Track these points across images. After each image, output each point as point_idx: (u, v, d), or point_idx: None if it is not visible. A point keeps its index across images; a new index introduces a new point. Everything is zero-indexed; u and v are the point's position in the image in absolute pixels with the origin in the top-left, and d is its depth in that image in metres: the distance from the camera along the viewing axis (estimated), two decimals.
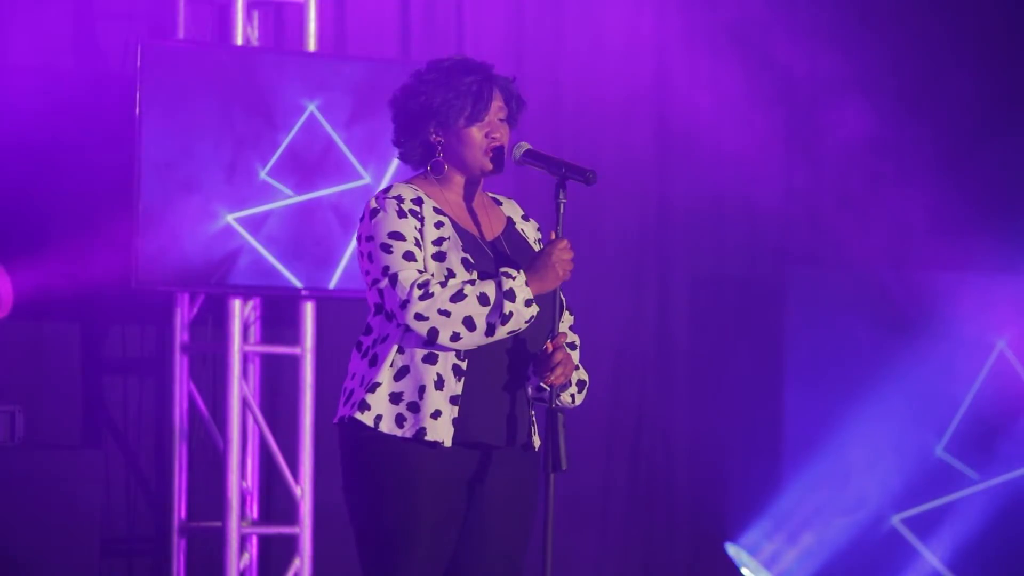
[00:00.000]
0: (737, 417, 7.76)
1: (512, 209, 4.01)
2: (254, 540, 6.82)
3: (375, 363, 3.76)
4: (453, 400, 3.74)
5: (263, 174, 6.48)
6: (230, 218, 6.44)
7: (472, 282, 3.72)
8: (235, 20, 6.61)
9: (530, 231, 3.98)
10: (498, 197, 4.02)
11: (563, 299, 3.92)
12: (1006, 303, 7.74)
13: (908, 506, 7.68)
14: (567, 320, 3.97)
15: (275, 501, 6.91)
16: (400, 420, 3.73)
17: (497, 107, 3.85)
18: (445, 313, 3.67)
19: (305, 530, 6.67)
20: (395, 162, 6.55)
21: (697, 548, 7.75)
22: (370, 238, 3.76)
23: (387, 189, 3.83)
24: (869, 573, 7.66)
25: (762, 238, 7.84)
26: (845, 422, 7.67)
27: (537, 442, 3.87)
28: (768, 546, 7.67)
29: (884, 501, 7.66)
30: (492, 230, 3.90)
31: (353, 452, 3.80)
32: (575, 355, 3.94)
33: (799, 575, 7.64)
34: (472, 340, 3.69)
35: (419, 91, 3.84)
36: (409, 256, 3.73)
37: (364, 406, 3.75)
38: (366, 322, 3.83)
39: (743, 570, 7.64)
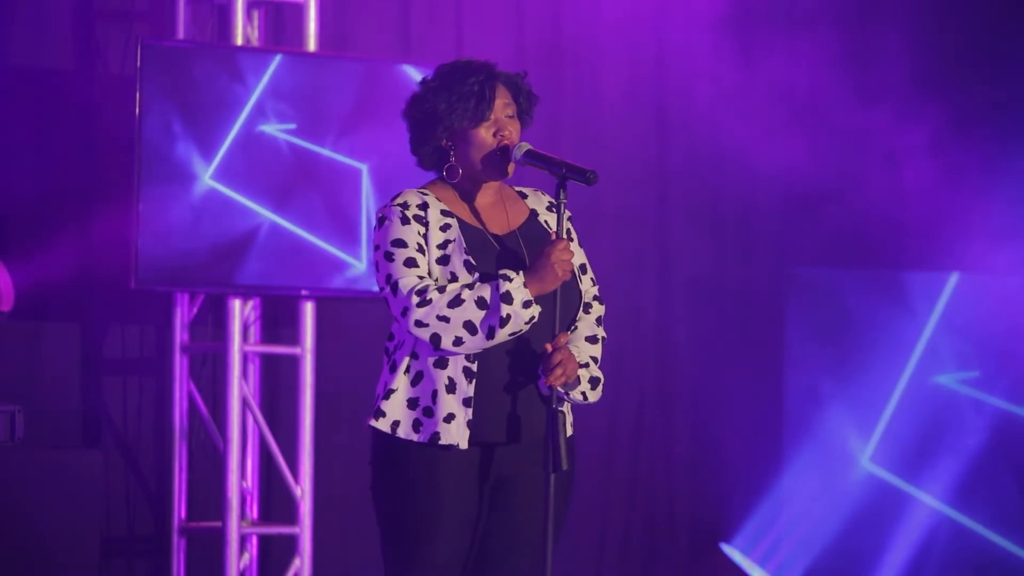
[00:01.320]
0: (737, 417, 7.77)
1: (537, 201, 4.00)
2: (254, 540, 6.82)
3: (394, 369, 3.80)
4: (466, 402, 3.75)
5: (262, 174, 6.49)
6: (230, 217, 6.43)
7: (471, 286, 3.72)
8: (235, 20, 6.61)
9: (555, 221, 3.96)
10: (524, 190, 4.01)
11: (592, 290, 3.91)
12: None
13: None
14: (596, 311, 3.95)
15: (275, 501, 6.91)
16: (416, 425, 3.76)
17: (503, 104, 3.85)
18: (445, 319, 3.68)
19: (305, 530, 6.67)
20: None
21: (696, 548, 7.75)
22: (377, 247, 3.80)
23: (395, 196, 3.84)
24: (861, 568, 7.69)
25: (762, 236, 7.84)
26: (843, 421, 7.68)
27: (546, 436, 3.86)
28: (764, 544, 7.67)
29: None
30: (508, 225, 3.89)
31: (376, 457, 3.84)
32: (597, 349, 3.92)
33: (794, 572, 7.65)
34: (475, 344, 3.70)
35: (424, 99, 3.85)
36: (410, 263, 3.74)
37: (380, 413, 3.79)
38: (389, 329, 3.85)
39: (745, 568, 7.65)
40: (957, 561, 7.70)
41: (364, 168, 6.60)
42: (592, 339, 3.92)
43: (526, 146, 3.86)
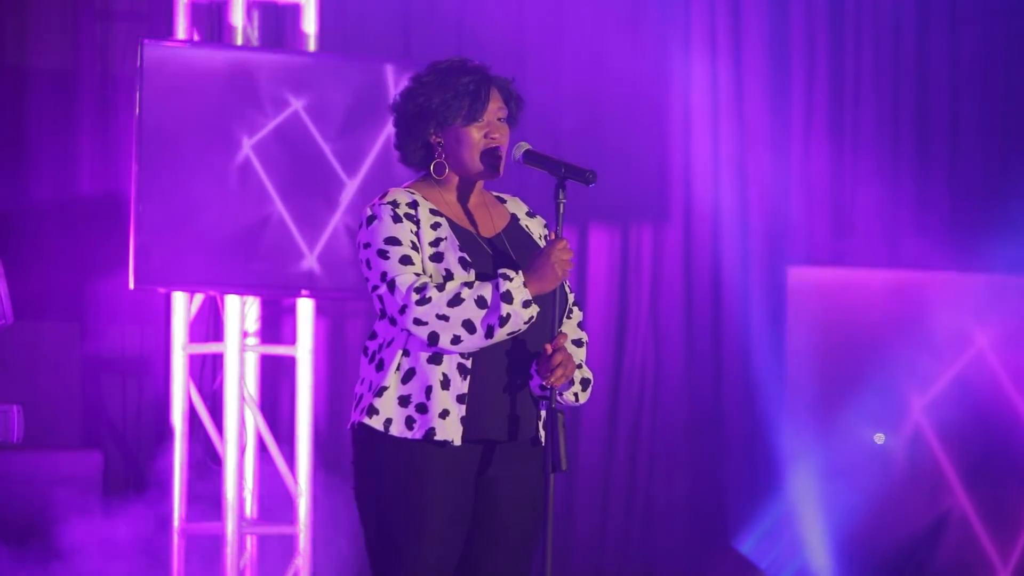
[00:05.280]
0: (736, 416, 7.77)
1: (516, 206, 4.02)
2: (253, 540, 6.82)
3: (382, 367, 3.78)
4: (460, 399, 3.76)
5: (262, 174, 6.49)
6: (229, 217, 6.43)
7: (470, 284, 3.73)
8: (235, 20, 6.62)
9: (535, 227, 3.99)
10: (502, 196, 4.03)
11: (570, 296, 3.93)
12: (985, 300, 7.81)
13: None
14: (576, 316, 3.98)
15: (274, 501, 6.91)
16: (409, 422, 3.75)
17: (496, 107, 3.87)
18: (444, 318, 3.68)
19: (304, 530, 6.67)
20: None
21: (697, 548, 7.75)
22: (367, 245, 3.79)
23: (383, 195, 3.85)
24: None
25: (763, 234, 7.84)
26: (843, 421, 7.70)
27: (544, 436, 3.87)
28: (764, 543, 7.68)
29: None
30: (493, 227, 3.91)
31: (364, 456, 3.82)
32: (582, 352, 3.95)
33: (793, 572, 7.66)
34: (473, 343, 3.71)
35: (418, 93, 3.85)
36: (406, 260, 3.75)
37: (373, 411, 3.77)
38: (371, 328, 3.85)
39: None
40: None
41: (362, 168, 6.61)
42: (577, 342, 3.95)
43: (525, 146, 3.88)
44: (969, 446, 7.81)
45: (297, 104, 6.54)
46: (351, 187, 6.59)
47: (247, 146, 6.46)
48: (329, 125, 6.57)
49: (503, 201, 4.01)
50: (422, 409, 3.75)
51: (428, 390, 3.75)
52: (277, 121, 6.51)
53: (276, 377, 7.00)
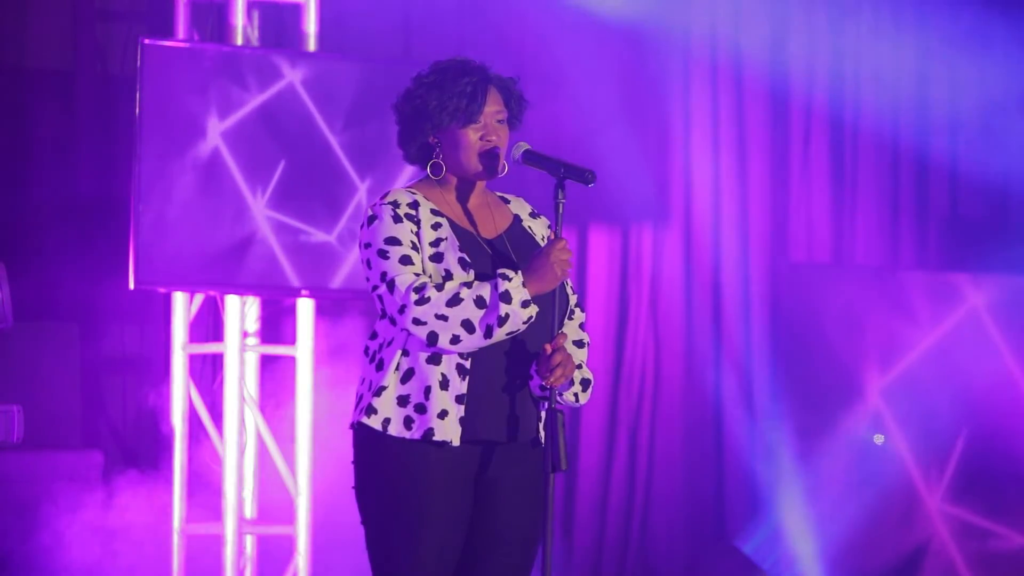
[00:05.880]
0: (736, 417, 7.77)
1: (520, 207, 4.02)
2: (252, 540, 6.82)
3: (381, 367, 3.79)
4: (459, 399, 3.76)
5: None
6: (228, 219, 6.43)
7: (469, 284, 3.73)
8: (235, 20, 6.62)
9: (538, 228, 3.99)
10: (506, 196, 4.03)
11: (572, 298, 3.93)
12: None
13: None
14: (578, 318, 3.98)
15: (273, 501, 6.92)
16: (408, 422, 3.76)
17: (494, 109, 3.86)
18: (443, 318, 3.69)
19: (303, 530, 6.68)
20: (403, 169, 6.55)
21: (697, 548, 7.75)
22: (368, 245, 3.79)
23: (384, 195, 3.85)
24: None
25: (762, 237, 7.84)
26: (843, 421, 7.70)
27: (544, 436, 3.87)
28: (765, 543, 7.68)
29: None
30: (495, 228, 3.91)
31: (364, 455, 3.83)
32: (583, 353, 3.95)
33: (793, 571, 7.67)
34: (472, 343, 3.71)
35: (417, 94, 3.86)
36: (406, 260, 3.75)
37: (371, 410, 3.78)
38: (372, 327, 3.85)
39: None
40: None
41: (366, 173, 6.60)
42: (579, 343, 3.96)
43: (524, 146, 3.87)
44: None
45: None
46: (351, 188, 6.57)
47: (248, 146, 6.44)
48: (334, 125, 6.55)
49: (507, 202, 4.01)
50: (421, 409, 3.75)
51: (427, 390, 3.75)
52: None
53: (276, 377, 7.00)
